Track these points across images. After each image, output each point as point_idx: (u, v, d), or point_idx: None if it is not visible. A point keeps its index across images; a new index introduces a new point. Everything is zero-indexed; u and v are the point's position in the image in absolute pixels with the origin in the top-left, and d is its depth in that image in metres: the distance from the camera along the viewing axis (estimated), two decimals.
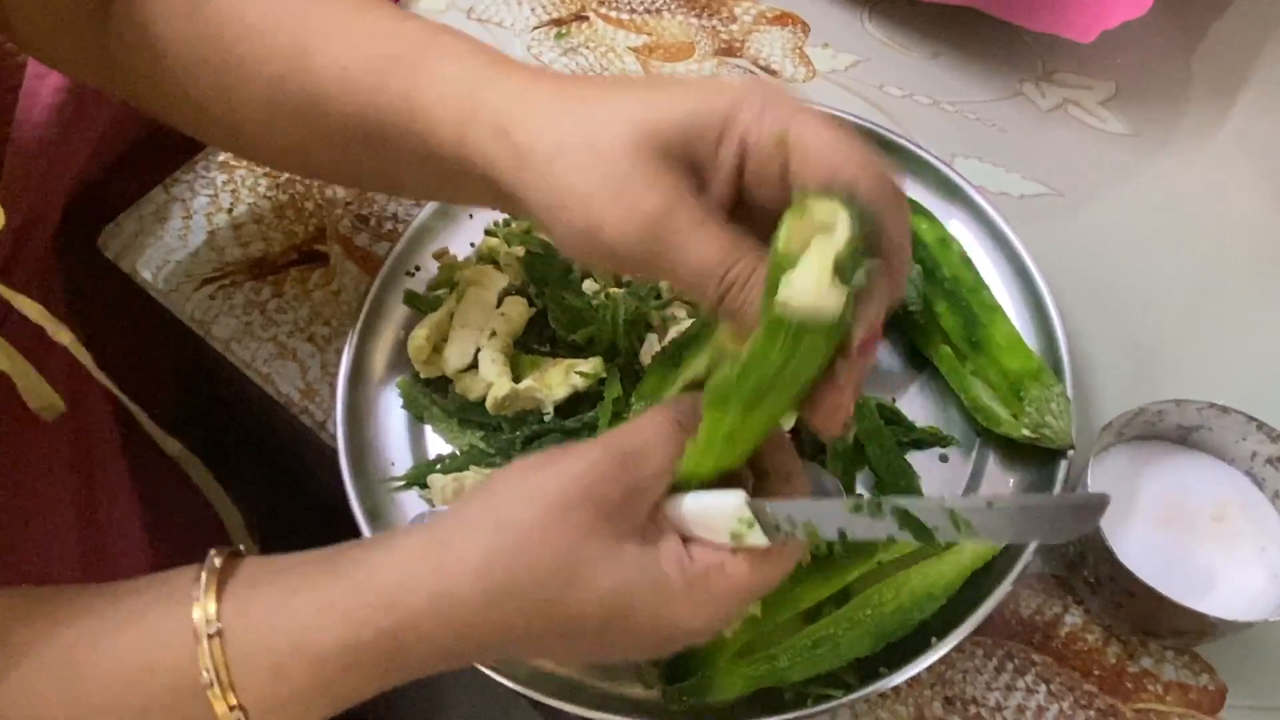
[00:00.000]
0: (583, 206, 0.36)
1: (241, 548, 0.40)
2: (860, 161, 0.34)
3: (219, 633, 0.37)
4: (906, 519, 0.35)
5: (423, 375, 0.55)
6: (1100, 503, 0.34)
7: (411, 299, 0.57)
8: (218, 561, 0.39)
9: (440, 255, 0.59)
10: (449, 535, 0.37)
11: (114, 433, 0.63)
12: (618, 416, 0.51)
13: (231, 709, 0.36)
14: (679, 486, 0.38)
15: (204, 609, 0.37)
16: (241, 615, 0.38)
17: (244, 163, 0.66)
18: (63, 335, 0.52)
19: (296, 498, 0.77)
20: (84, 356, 0.54)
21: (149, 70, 0.47)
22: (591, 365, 0.51)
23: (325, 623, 0.37)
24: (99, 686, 0.37)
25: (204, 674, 0.36)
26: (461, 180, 0.41)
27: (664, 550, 0.37)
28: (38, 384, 0.53)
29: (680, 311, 0.53)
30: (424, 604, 0.36)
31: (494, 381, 0.51)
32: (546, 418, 0.52)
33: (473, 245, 0.60)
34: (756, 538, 0.37)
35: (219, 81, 0.45)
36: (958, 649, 0.48)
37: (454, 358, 0.52)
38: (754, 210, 0.38)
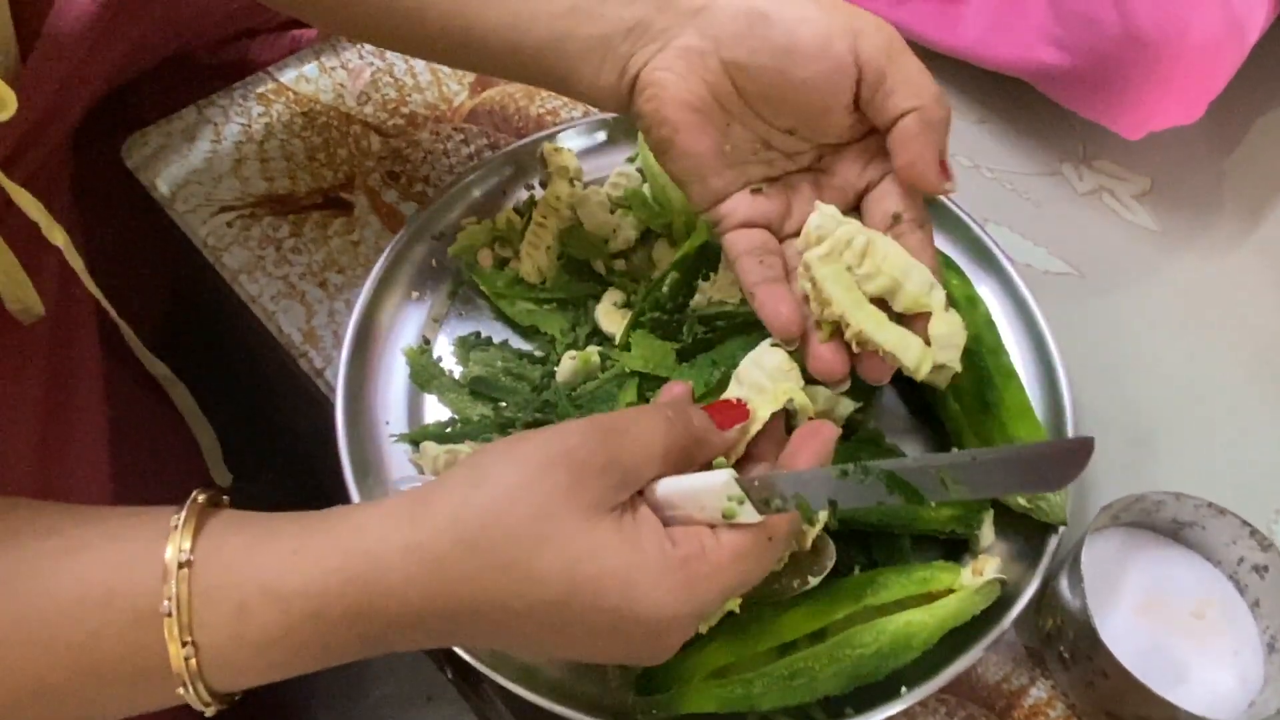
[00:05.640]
0: (667, 128, 0.45)
1: (226, 499, 0.39)
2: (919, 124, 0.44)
3: (189, 563, 0.36)
4: (894, 481, 0.36)
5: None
6: (1086, 446, 0.34)
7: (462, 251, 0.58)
8: (201, 499, 0.38)
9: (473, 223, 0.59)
10: (428, 493, 0.37)
11: (95, 348, 0.61)
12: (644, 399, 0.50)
13: (184, 644, 0.35)
14: None
15: (178, 539, 0.36)
16: (215, 550, 0.37)
17: (283, 99, 0.65)
18: (57, 236, 0.50)
19: (272, 441, 0.76)
20: (77, 262, 0.52)
21: None
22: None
23: (297, 564, 0.36)
24: (53, 605, 0.36)
25: (165, 603, 0.35)
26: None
27: (643, 531, 0.37)
28: (20, 285, 0.51)
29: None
30: (396, 555, 0.36)
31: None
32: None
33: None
34: (748, 514, 0.37)
35: None
36: (922, 703, 0.48)
37: (531, 275, 0.57)
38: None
